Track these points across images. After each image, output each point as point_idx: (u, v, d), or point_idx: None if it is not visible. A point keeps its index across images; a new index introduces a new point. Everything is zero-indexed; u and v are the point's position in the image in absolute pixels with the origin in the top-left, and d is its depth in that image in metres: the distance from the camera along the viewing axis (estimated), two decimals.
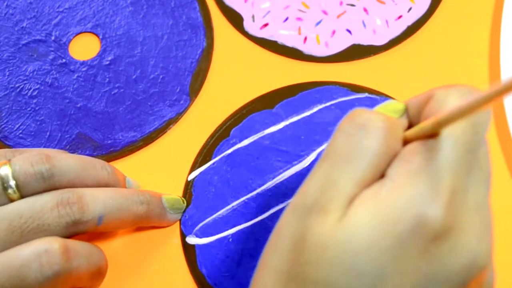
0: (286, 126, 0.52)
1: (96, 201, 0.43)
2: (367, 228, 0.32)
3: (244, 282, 0.47)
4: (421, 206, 0.32)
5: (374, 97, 0.52)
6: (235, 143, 0.51)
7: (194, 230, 0.49)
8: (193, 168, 0.51)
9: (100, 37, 0.56)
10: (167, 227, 0.49)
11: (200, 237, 0.49)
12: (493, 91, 0.29)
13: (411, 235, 0.32)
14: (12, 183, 0.42)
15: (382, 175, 0.35)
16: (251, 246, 0.48)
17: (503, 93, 0.28)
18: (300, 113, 0.52)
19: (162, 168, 0.51)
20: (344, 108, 0.52)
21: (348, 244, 0.32)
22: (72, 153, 0.51)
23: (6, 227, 0.41)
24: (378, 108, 0.38)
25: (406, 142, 0.35)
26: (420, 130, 0.34)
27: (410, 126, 0.37)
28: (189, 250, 0.48)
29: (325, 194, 0.34)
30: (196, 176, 0.51)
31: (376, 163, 0.34)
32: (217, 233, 0.48)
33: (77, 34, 0.57)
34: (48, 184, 0.43)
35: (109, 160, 0.51)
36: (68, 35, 0.56)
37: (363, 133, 0.35)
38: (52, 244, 0.41)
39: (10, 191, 0.42)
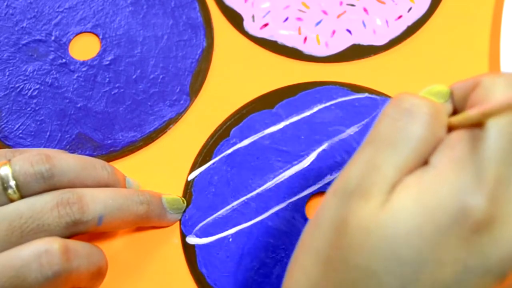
0: (286, 126, 0.52)
1: (96, 201, 0.43)
2: (409, 214, 0.32)
3: (244, 282, 0.47)
4: (464, 195, 0.32)
5: (374, 97, 0.52)
6: (235, 143, 0.52)
7: (194, 230, 0.49)
8: (193, 168, 0.51)
9: (100, 37, 0.56)
10: (167, 227, 0.49)
11: (200, 237, 0.49)
12: None
13: (453, 224, 0.32)
14: (12, 183, 0.42)
15: (425, 162, 0.34)
16: (251, 246, 0.48)
17: None
18: (300, 113, 0.52)
19: (162, 168, 0.51)
20: (344, 108, 0.52)
21: (390, 229, 0.32)
22: (72, 153, 0.51)
23: (6, 227, 0.41)
24: (423, 92, 0.38)
25: (450, 128, 0.35)
26: (466, 119, 0.34)
27: (454, 111, 0.37)
28: (189, 250, 0.48)
29: (368, 178, 0.34)
30: (196, 176, 0.51)
31: (420, 149, 0.34)
32: (217, 233, 0.49)
33: (77, 34, 0.56)
34: (48, 184, 0.43)
35: (109, 160, 0.51)
36: (68, 35, 0.56)
37: (409, 119, 0.34)
38: (52, 244, 0.40)
39: (10, 191, 0.42)
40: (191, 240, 0.49)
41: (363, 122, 0.51)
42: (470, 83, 0.36)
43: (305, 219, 0.48)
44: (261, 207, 0.49)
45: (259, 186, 0.50)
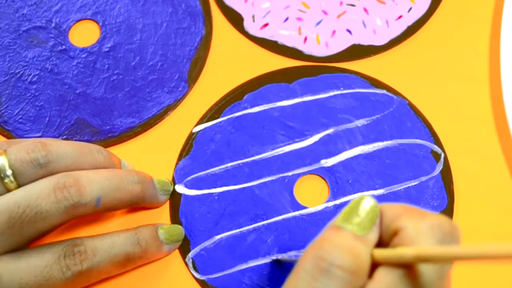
0: (299, 103, 0.53)
1: (93, 183, 0.43)
2: None
3: (217, 241, 0.48)
4: None
5: (391, 96, 0.52)
6: (245, 108, 0.53)
7: (185, 180, 0.50)
8: (200, 122, 0.52)
9: (100, 24, 0.56)
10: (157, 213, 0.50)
11: (189, 188, 0.50)
12: (485, 252, 0.29)
13: None
14: (9, 172, 0.42)
15: None
16: (233, 208, 0.49)
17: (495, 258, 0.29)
18: (316, 94, 0.53)
19: (159, 154, 0.52)
20: (359, 99, 0.52)
21: None
22: (71, 138, 0.52)
23: (7, 220, 0.41)
24: (344, 221, 0.36)
25: (374, 262, 0.34)
26: (397, 257, 0.33)
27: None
28: (174, 198, 0.50)
29: None
30: (200, 130, 0.52)
31: None
32: (205, 188, 0.50)
33: (77, 21, 0.57)
34: (45, 170, 0.43)
35: (107, 145, 0.51)
36: (68, 22, 0.57)
37: (327, 281, 0.33)
38: (71, 246, 0.43)
39: (7, 180, 0.42)
40: (179, 189, 0.50)
41: (373, 117, 0.52)
42: (399, 209, 0.35)
43: (292, 197, 0.49)
44: (253, 174, 0.50)
45: (257, 154, 0.51)
